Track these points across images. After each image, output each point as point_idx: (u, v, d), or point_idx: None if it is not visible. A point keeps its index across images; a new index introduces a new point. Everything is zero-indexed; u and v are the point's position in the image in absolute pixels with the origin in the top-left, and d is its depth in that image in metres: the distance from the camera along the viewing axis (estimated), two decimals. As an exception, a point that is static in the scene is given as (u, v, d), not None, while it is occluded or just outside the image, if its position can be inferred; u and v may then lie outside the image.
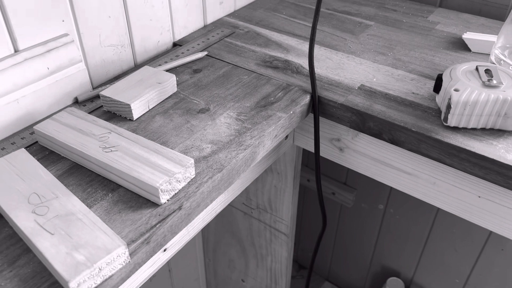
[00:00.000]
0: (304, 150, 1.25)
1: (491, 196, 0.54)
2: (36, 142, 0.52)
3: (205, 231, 1.04)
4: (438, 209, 1.13)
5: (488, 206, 0.55)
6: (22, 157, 0.46)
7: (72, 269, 0.35)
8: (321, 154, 0.68)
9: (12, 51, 0.52)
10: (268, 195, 0.84)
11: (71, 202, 0.41)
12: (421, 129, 0.54)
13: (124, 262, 0.38)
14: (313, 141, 0.67)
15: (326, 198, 1.31)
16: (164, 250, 0.52)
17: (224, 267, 1.07)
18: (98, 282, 0.37)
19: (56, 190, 0.42)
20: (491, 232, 1.06)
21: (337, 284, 1.53)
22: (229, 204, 0.93)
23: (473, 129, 0.54)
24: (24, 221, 0.39)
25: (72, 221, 0.39)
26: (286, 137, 0.68)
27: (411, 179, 0.61)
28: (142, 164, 0.45)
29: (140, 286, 0.50)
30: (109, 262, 0.37)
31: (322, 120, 0.63)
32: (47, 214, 0.40)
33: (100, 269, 0.36)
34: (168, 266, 0.98)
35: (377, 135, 0.58)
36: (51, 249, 0.36)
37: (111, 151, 0.46)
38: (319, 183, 0.66)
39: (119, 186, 0.46)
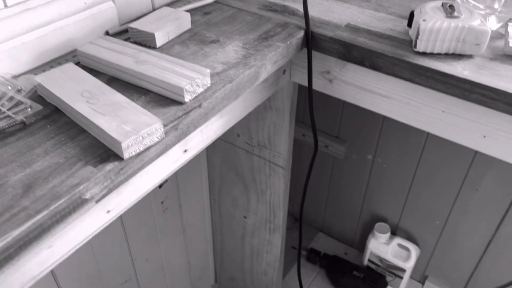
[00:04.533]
0: (299, 102, 1.36)
1: (452, 110, 0.66)
2: (78, 62, 0.63)
3: (211, 173, 1.16)
4: (421, 155, 1.25)
5: (450, 119, 0.67)
6: (72, 68, 0.57)
7: (123, 135, 0.46)
8: (314, 87, 0.79)
9: (57, -13, 0.63)
10: (268, 132, 0.96)
11: (116, 96, 0.52)
12: (396, 55, 0.65)
13: (160, 136, 0.50)
14: (307, 75, 0.78)
15: (320, 151, 1.43)
16: (185, 151, 0.63)
17: (228, 206, 1.19)
18: (141, 149, 0.48)
19: (103, 89, 0.53)
20: (467, 173, 1.19)
21: (330, 234, 1.66)
22: (232, 144, 1.05)
23: (438, 54, 0.65)
24: (81, 107, 0.50)
25: (119, 108, 0.50)
26: (284, 72, 0.79)
27: (388, 102, 0.72)
28: (169, 72, 0.56)
29: (163, 179, 0.62)
30: (149, 133, 0.48)
31: (314, 55, 0.75)
32: (98, 103, 0.51)
33: (143, 138, 0.48)
34: (178, 202, 1.10)
35: (360, 62, 0.69)
36: (105, 123, 0.48)
37: (143, 64, 0.58)
38: (312, 112, 0.78)
39: (150, 91, 0.57)
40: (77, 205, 0.44)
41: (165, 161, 0.60)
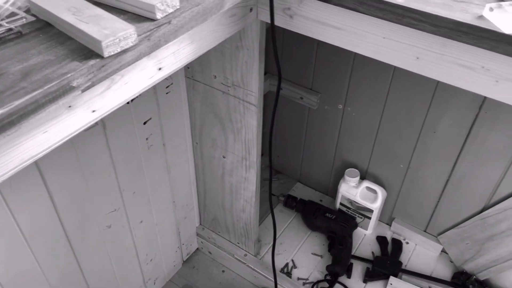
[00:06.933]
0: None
1: (390, 35, 0.76)
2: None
3: (192, 116, 1.27)
4: (386, 102, 1.36)
5: (389, 44, 0.78)
6: (60, -8, 0.67)
7: (103, 36, 0.57)
8: (277, 23, 0.89)
9: None
10: (241, 71, 1.06)
11: (98, 11, 0.62)
12: (342, -13, 0.75)
13: (134, 41, 0.60)
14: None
15: (295, 103, 1.54)
16: (159, 69, 0.73)
17: (209, 147, 1.30)
18: (118, 50, 0.58)
19: (87, 6, 0.63)
20: (425, 117, 1.30)
21: (307, 184, 1.78)
22: (210, 86, 1.15)
23: (379, -14, 0.75)
24: (68, 17, 0.60)
25: (100, 18, 0.60)
26: (251, 9, 0.89)
27: (340, 33, 0.82)
28: (143, -6, 0.66)
29: (141, 91, 0.72)
30: (125, 37, 0.58)
31: (276, -8, 0.85)
32: (83, 15, 0.61)
33: (119, 40, 0.58)
34: (162, 141, 1.21)
35: (314, -4, 0.79)
36: (88, 28, 0.58)
37: (121, -12, 0.67)
38: (275, 47, 0.88)
39: (128, 11, 0.67)
40: (65, 90, 0.55)
41: (142, 75, 0.70)
